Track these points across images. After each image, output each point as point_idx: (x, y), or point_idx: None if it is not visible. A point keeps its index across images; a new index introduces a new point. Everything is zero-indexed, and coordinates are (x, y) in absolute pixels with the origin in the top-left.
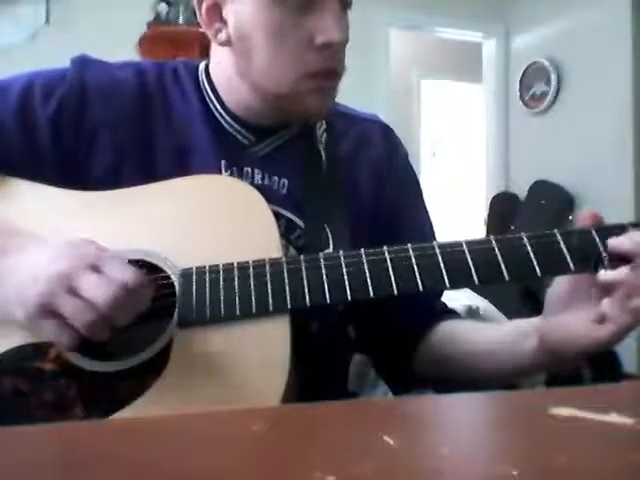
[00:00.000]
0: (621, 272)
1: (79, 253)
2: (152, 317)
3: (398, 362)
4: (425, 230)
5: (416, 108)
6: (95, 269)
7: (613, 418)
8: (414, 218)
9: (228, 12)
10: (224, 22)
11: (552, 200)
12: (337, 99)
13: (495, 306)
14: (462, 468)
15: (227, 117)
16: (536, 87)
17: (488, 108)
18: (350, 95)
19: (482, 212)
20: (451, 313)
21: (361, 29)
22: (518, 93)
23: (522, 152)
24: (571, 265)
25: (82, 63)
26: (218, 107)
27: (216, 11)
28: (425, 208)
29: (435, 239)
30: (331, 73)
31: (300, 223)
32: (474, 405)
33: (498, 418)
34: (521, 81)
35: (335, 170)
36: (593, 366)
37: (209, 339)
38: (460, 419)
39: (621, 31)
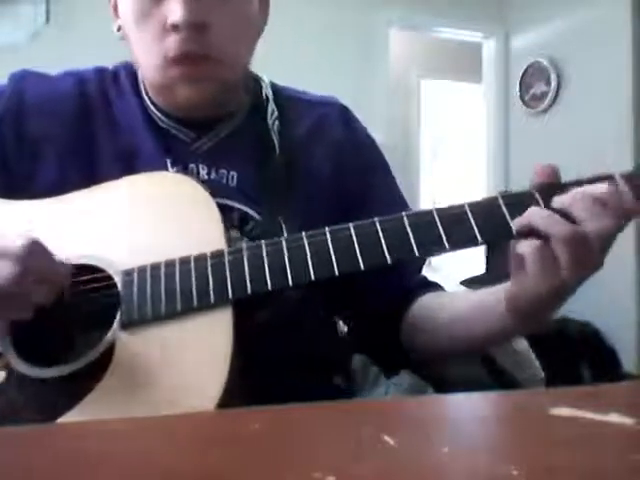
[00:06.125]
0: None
1: None
2: (99, 320)
3: (387, 344)
4: (395, 206)
5: (416, 108)
6: None
7: (613, 418)
8: (383, 196)
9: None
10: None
11: None
12: (337, 97)
13: None
14: (462, 468)
15: (162, 117)
16: (536, 87)
17: (488, 108)
18: (349, 95)
19: None
20: (430, 286)
21: (361, 29)
22: (518, 93)
23: (522, 152)
24: (514, 229)
25: (20, 78)
26: (153, 108)
27: (117, 8)
28: (394, 184)
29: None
30: (190, 57)
31: (254, 214)
32: (474, 405)
33: (498, 418)
34: (521, 81)
35: (289, 156)
36: (593, 366)
37: (150, 338)
38: (460, 419)
39: (621, 31)
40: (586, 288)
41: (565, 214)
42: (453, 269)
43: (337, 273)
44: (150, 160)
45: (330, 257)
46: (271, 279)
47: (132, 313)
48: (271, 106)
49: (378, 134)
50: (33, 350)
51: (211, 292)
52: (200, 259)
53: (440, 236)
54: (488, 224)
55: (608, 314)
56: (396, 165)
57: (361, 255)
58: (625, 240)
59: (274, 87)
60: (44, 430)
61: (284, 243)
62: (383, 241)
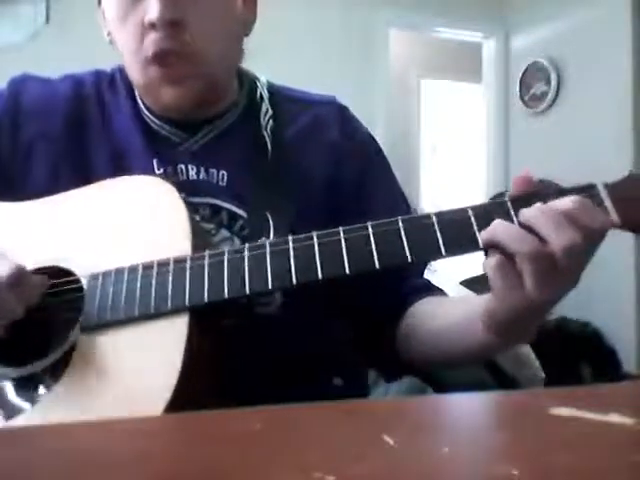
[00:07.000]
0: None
1: None
2: (71, 322)
3: (384, 351)
4: (397, 206)
5: (416, 108)
6: None
7: (613, 418)
8: (383, 196)
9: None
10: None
11: None
12: (337, 97)
13: None
14: (462, 468)
15: (154, 118)
16: (536, 87)
17: (488, 108)
18: (349, 95)
19: None
20: (427, 291)
21: (361, 29)
22: (518, 93)
23: (522, 152)
24: (480, 242)
25: (20, 82)
26: (145, 110)
27: (104, 13)
28: (395, 183)
29: (410, 212)
30: (166, 55)
31: (242, 213)
32: (474, 405)
33: (498, 418)
34: (521, 81)
35: (282, 156)
36: (593, 366)
37: (105, 342)
38: (460, 419)
39: (621, 31)
40: (586, 288)
41: (531, 229)
42: (453, 269)
43: (295, 283)
44: (138, 162)
45: (290, 267)
46: (228, 288)
47: (92, 316)
48: (265, 105)
49: (378, 134)
50: (12, 351)
51: (169, 298)
52: (162, 265)
53: (403, 247)
54: (455, 236)
55: (608, 314)
56: (396, 165)
57: (321, 266)
58: (625, 240)
59: (272, 87)
60: (43, 430)
61: (246, 252)
62: (345, 252)
